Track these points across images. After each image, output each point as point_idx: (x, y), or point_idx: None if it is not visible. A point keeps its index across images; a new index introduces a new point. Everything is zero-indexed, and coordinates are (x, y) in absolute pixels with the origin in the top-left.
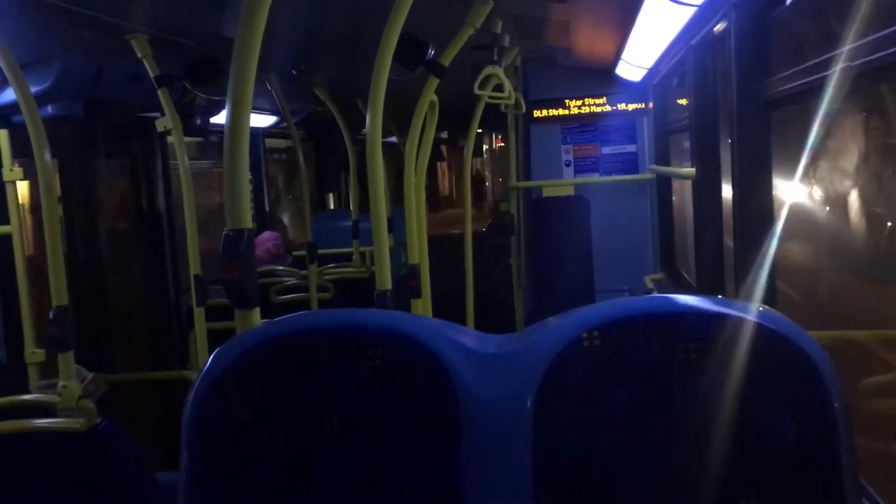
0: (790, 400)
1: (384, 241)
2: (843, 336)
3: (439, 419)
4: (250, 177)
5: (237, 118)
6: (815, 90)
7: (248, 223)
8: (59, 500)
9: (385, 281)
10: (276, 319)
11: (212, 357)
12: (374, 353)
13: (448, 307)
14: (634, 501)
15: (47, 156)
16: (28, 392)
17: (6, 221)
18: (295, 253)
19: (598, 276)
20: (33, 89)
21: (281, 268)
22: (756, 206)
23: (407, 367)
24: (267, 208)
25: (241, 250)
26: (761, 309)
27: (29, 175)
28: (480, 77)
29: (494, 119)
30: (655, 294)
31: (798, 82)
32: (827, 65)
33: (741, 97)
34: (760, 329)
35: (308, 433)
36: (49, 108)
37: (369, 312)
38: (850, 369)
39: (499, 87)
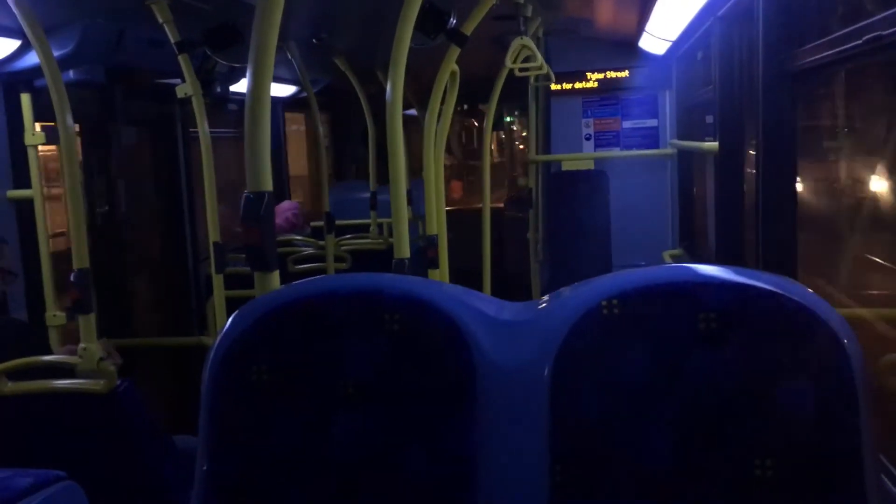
0: (811, 371)
1: (403, 210)
2: (867, 314)
3: (455, 385)
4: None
5: (258, 83)
6: (845, 61)
7: (269, 186)
8: (78, 459)
9: (403, 249)
10: (293, 283)
11: (231, 320)
12: (391, 318)
13: (465, 280)
14: (649, 469)
15: (69, 119)
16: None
17: (28, 186)
18: (312, 223)
19: (615, 251)
20: (56, 53)
21: (299, 237)
22: (781, 180)
23: (423, 333)
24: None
25: (262, 213)
26: (784, 281)
27: (50, 140)
28: (512, 49)
29: (512, 92)
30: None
31: (826, 53)
32: (858, 35)
33: (767, 69)
34: (782, 300)
35: (324, 396)
36: (71, 73)
37: (386, 277)
38: (869, 347)
39: (527, 59)
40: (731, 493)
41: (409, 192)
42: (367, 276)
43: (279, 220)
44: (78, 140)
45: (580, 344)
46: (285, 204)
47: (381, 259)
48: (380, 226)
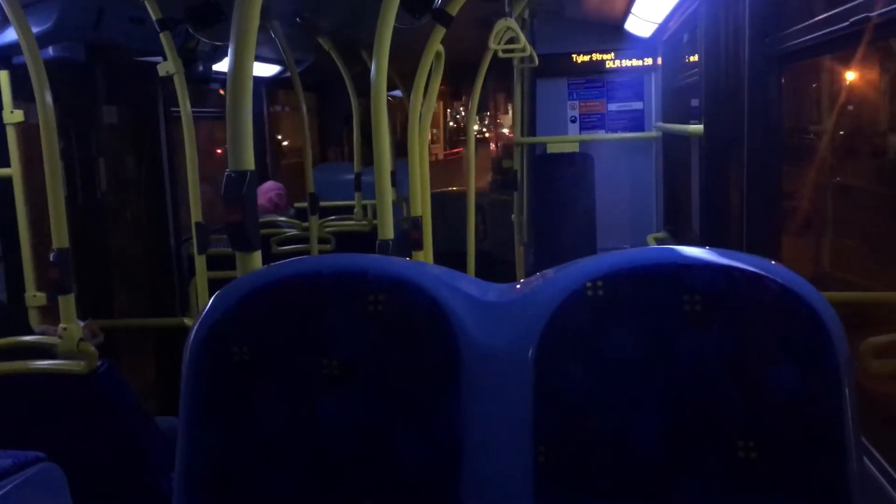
0: (795, 354)
1: (387, 191)
2: (850, 297)
3: (439, 366)
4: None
5: (240, 61)
6: (831, 44)
7: (251, 165)
8: (59, 442)
9: (387, 231)
10: (275, 263)
11: (212, 300)
12: (374, 299)
13: (449, 262)
14: (634, 451)
15: (48, 97)
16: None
17: (7, 164)
18: (296, 205)
19: (600, 233)
20: (34, 30)
21: (282, 219)
22: (766, 163)
23: (407, 313)
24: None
25: (244, 192)
26: (768, 262)
27: (29, 118)
28: (495, 30)
29: (498, 74)
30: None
31: (812, 35)
32: (843, 17)
33: (754, 52)
34: (767, 282)
35: (307, 377)
36: (50, 50)
37: (370, 258)
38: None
39: (511, 41)
40: (715, 474)
41: (393, 174)
42: (350, 256)
43: (262, 201)
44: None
45: (564, 325)
46: (269, 184)
47: (366, 241)
48: (364, 207)
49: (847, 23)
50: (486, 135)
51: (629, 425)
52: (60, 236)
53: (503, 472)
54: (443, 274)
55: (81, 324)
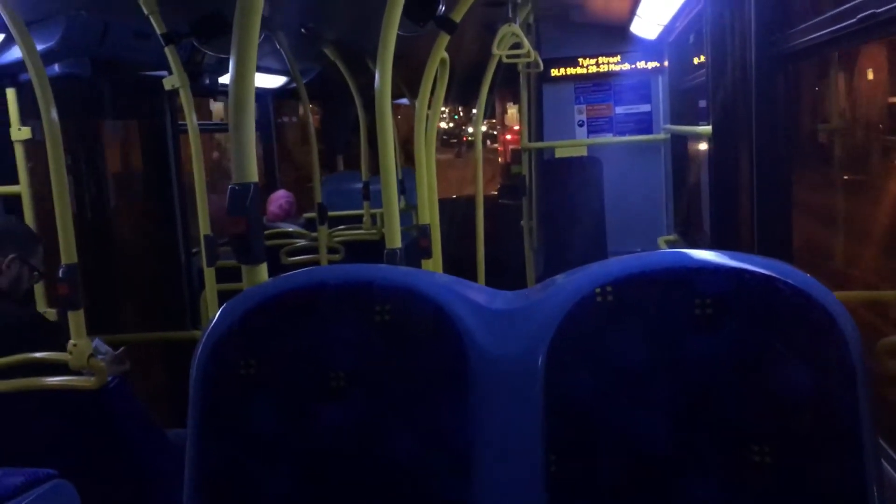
0: (808, 355)
1: (394, 199)
2: (863, 297)
3: (447, 375)
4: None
5: (242, 72)
6: (839, 41)
7: (255, 178)
8: (71, 457)
9: (395, 240)
10: (283, 275)
11: (219, 313)
12: (381, 309)
13: (458, 270)
14: (646, 457)
15: (54, 114)
16: None
17: (15, 181)
18: (306, 215)
19: (610, 238)
20: (39, 47)
21: (291, 229)
22: (775, 163)
23: (415, 323)
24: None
25: (248, 205)
26: (780, 264)
27: (37, 136)
28: (498, 37)
29: (504, 79)
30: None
31: (820, 33)
32: (851, 13)
33: (760, 51)
34: (778, 284)
35: (314, 388)
36: (56, 67)
37: (376, 268)
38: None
39: (515, 46)
40: (729, 479)
41: (401, 182)
42: (357, 267)
43: (272, 208)
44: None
45: (574, 332)
46: (280, 192)
47: (375, 250)
48: (373, 216)
49: (855, 19)
50: (489, 143)
51: (641, 431)
52: (69, 252)
53: (514, 482)
54: (450, 282)
55: (106, 348)
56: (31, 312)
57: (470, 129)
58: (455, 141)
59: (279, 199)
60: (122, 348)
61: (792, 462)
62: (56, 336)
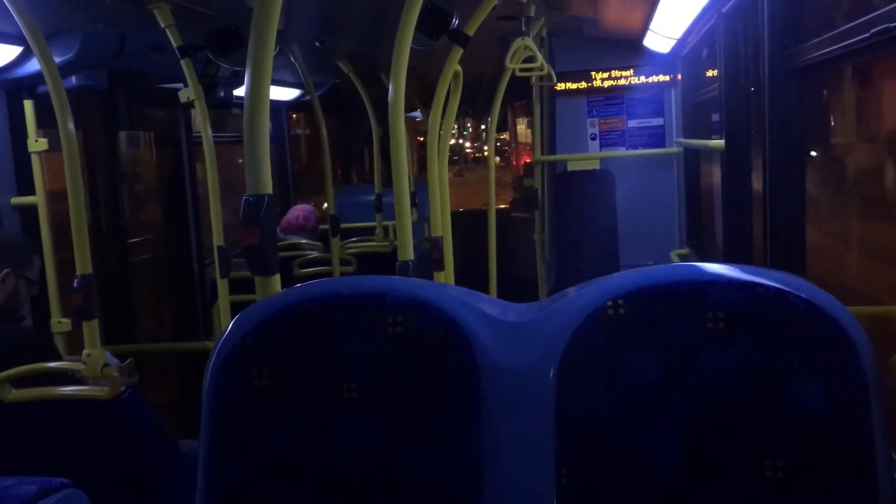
0: (822, 370)
1: (406, 211)
2: (876, 311)
3: (459, 388)
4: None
5: (257, 84)
6: (852, 56)
7: (269, 189)
8: (83, 467)
9: (407, 252)
10: (295, 287)
11: (231, 324)
12: (394, 321)
13: (471, 282)
14: (657, 472)
15: (71, 125)
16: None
17: (32, 192)
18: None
19: (623, 251)
20: (57, 59)
21: (304, 241)
22: (788, 177)
23: (427, 335)
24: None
25: (262, 216)
26: (793, 278)
27: (54, 147)
28: (512, 50)
29: (516, 93)
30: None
31: (833, 48)
32: (865, 28)
33: (773, 65)
34: (791, 298)
35: (326, 400)
36: (73, 79)
37: (389, 279)
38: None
39: (528, 59)
40: (742, 495)
41: (414, 194)
42: (369, 278)
43: (290, 217)
44: (82, 145)
45: (586, 345)
46: (302, 206)
47: (388, 262)
48: (385, 228)
49: (869, 34)
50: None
51: (653, 445)
52: (84, 262)
53: (525, 495)
54: (462, 295)
55: (117, 360)
56: (27, 330)
57: (468, 145)
58: (456, 158)
59: (298, 211)
60: (129, 359)
61: (805, 477)
62: (50, 358)
